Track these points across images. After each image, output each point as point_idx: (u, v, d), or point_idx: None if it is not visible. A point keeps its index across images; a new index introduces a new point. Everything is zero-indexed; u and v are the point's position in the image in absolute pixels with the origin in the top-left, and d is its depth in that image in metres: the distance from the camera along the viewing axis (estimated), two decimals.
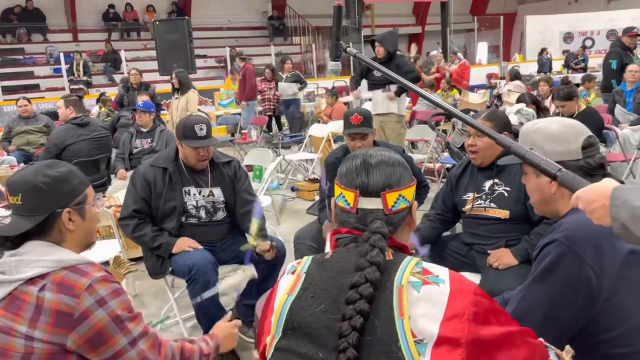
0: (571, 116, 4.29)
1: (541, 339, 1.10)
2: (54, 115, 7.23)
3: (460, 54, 11.18)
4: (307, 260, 1.11)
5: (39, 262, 1.30)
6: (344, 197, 1.12)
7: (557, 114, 4.84)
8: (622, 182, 1.08)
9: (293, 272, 1.10)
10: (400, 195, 1.10)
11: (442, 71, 10.62)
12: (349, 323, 0.95)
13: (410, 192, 1.12)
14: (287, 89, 8.89)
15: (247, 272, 2.04)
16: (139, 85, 7.32)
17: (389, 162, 1.12)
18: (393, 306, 0.96)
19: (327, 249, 1.15)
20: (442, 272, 1.01)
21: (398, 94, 5.35)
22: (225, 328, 1.68)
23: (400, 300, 0.96)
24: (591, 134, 1.44)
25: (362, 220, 1.10)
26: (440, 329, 0.94)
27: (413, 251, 1.30)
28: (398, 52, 5.80)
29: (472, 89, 10.73)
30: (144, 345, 1.36)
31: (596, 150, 1.42)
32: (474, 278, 2.27)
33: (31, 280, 1.29)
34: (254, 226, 2.09)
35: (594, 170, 1.40)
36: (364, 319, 0.95)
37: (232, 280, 2.02)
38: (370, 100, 5.75)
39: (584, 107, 4.75)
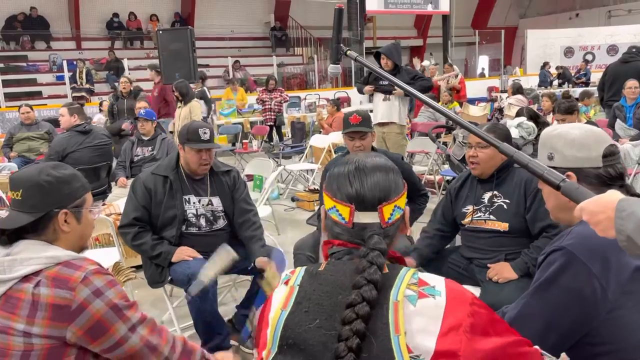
0: None
1: (537, 347, 1.09)
2: (55, 122, 7.25)
3: (455, 67, 11.15)
4: (300, 271, 1.08)
5: (32, 259, 1.32)
6: (338, 211, 1.08)
7: None
8: (638, 196, 1.05)
9: (286, 283, 1.08)
10: (395, 206, 1.08)
11: (438, 83, 10.60)
12: (345, 344, 0.93)
13: (403, 200, 1.10)
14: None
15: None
16: (129, 93, 7.36)
17: (383, 168, 1.10)
18: (389, 322, 0.95)
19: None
20: (438, 282, 1.00)
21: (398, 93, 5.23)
22: (227, 357, 1.67)
23: (395, 316, 0.95)
24: (613, 142, 1.40)
25: (358, 234, 1.07)
26: (437, 344, 0.93)
27: None
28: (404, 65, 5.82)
29: (473, 101, 10.76)
30: (143, 331, 1.37)
31: (617, 159, 1.38)
32: (474, 291, 2.26)
33: (26, 278, 1.30)
34: (274, 279, 1.92)
35: (613, 180, 1.35)
36: (361, 339, 0.94)
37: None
38: (372, 111, 5.75)
39: (584, 121, 4.76)
